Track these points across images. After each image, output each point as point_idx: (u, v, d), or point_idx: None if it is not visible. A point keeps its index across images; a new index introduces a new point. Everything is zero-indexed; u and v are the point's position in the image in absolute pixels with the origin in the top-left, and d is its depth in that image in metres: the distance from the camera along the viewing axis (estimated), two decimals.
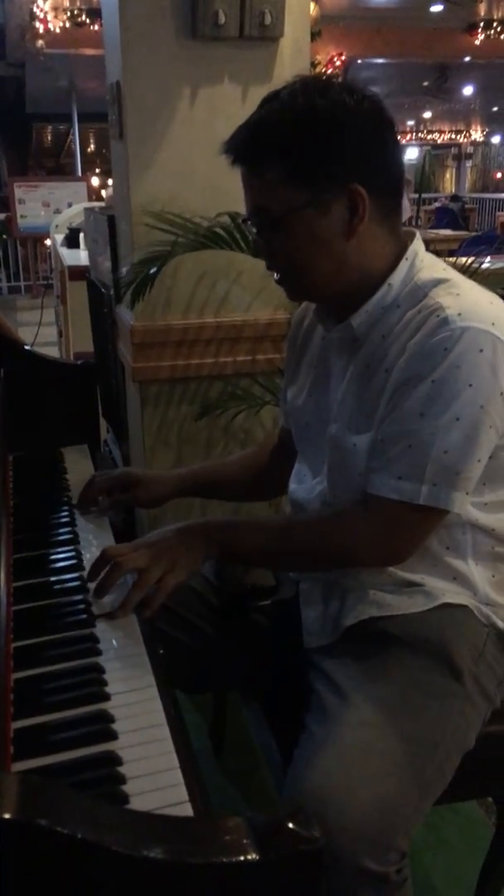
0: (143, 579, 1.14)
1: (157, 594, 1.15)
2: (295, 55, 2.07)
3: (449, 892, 1.60)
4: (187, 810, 0.74)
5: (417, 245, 1.20)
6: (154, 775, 0.79)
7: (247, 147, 1.13)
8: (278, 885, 0.51)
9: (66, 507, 1.46)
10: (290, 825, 0.52)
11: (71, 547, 1.31)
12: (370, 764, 1.04)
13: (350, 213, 1.12)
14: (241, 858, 0.49)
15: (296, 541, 1.23)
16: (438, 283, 1.15)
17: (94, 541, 1.34)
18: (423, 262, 1.19)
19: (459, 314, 1.08)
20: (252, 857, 0.49)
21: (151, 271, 1.92)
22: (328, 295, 1.21)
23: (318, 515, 1.27)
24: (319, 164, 1.10)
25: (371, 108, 1.13)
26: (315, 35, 3.14)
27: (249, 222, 1.19)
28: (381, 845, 0.99)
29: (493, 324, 1.08)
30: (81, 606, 1.13)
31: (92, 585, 1.17)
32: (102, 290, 2.64)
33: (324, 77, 1.20)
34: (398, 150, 1.19)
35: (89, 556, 1.28)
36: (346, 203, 1.12)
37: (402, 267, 1.18)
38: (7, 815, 0.49)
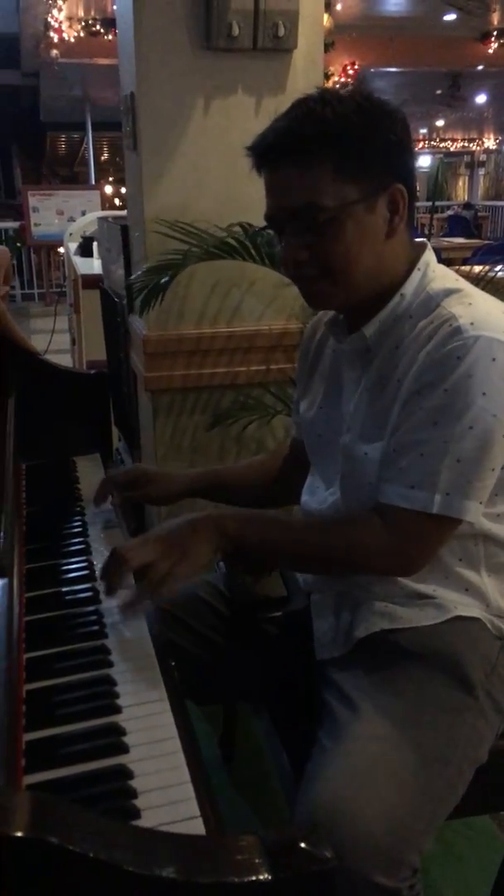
0: (152, 572, 1.13)
1: (165, 583, 1.13)
2: (308, 66, 2.07)
3: None
4: (198, 824, 0.74)
5: (429, 255, 1.21)
6: (165, 789, 0.79)
7: (295, 143, 1.10)
8: None
9: (78, 517, 1.47)
10: (303, 845, 0.52)
11: (83, 557, 1.31)
12: (382, 779, 1.03)
13: (391, 212, 1.13)
14: (254, 878, 0.49)
15: (307, 541, 1.22)
16: (450, 293, 1.15)
17: (106, 551, 1.34)
18: (435, 273, 1.19)
19: (472, 323, 1.08)
20: (264, 877, 0.49)
21: (163, 280, 1.92)
22: (354, 301, 1.19)
23: (332, 518, 1.27)
24: (370, 160, 1.11)
25: (402, 115, 1.15)
26: (328, 46, 3.15)
27: (285, 225, 1.15)
28: (393, 861, 0.98)
29: None
30: (93, 618, 1.13)
31: (107, 597, 1.17)
32: (115, 299, 2.65)
33: (356, 86, 1.19)
34: (415, 160, 1.21)
35: (101, 566, 1.28)
36: (388, 201, 1.13)
37: (415, 277, 1.18)
38: (19, 833, 0.48)
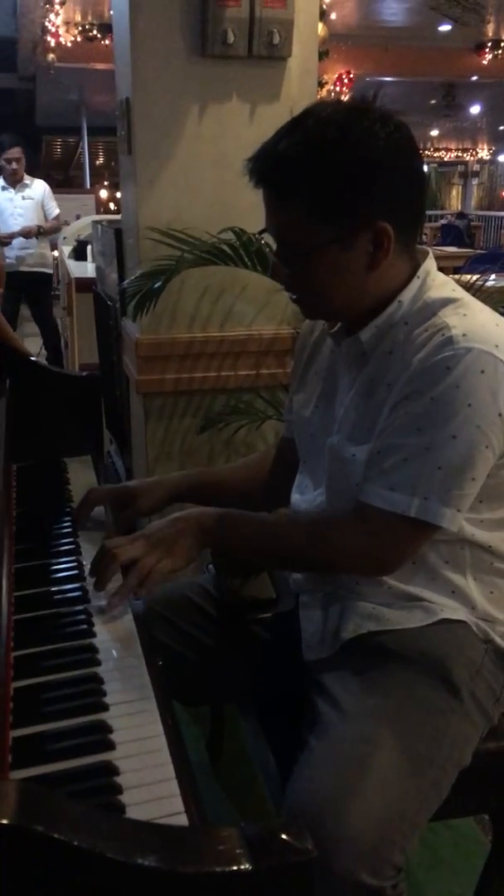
0: (139, 566, 1.16)
1: (151, 576, 1.16)
2: (303, 75, 2.09)
3: None
4: (182, 821, 0.75)
5: (430, 264, 1.21)
6: (150, 786, 0.80)
7: (273, 179, 1.11)
8: (270, 894, 0.52)
9: (68, 518, 1.47)
10: (284, 836, 0.53)
11: (72, 557, 1.32)
12: (367, 779, 1.04)
13: (374, 247, 1.12)
14: (234, 868, 0.50)
15: (286, 539, 1.24)
16: (448, 302, 1.16)
17: (95, 551, 1.35)
18: (435, 281, 1.20)
19: (464, 335, 1.09)
20: (245, 867, 0.50)
21: (156, 285, 1.93)
22: (344, 318, 1.23)
23: (311, 517, 1.29)
24: (347, 204, 1.09)
25: (402, 137, 1.11)
26: (323, 55, 3.17)
27: (275, 251, 1.18)
28: (377, 860, 0.99)
29: (496, 346, 1.09)
30: (82, 617, 1.13)
31: (96, 596, 1.18)
32: (109, 302, 2.66)
33: (356, 101, 1.15)
34: (424, 177, 1.20)
35: (89, 563, 1.29)
36: (370, 238, 1.11)
37: (414, 285, 1.18)
38: (4, 821, 0.49)
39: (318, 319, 1.34)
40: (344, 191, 1.09)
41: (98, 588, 1.18)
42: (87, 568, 1.28)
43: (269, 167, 1.11)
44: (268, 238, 1.93)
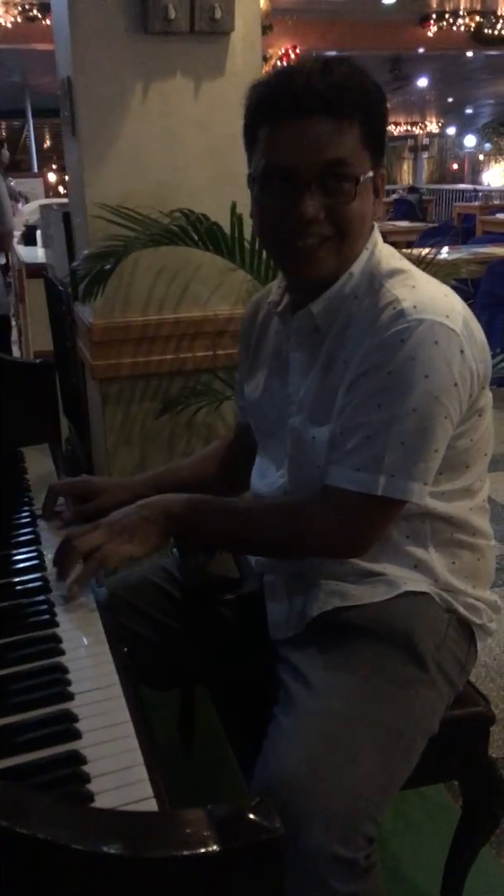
0: (99, 553, 1.15)
1: (110, 559, 1.16)
2: (246, 49, 2.07)
3: (418, 876, 1.63)
4: (152, 806, 0.74)
5: (376, 235, 1.22)
6: (118, 773, 0.79)
7: (338, 100, 1.08)
8: (239, 875, 0.52)
9: (26, 508, 1.45)
10: (251, 815, 0.53)
11: (32, 548, 1.30)
12: (337, 752, 1.05)
13: (374, 193, 1.16)
14: (202, 851, 0.50)
15: (254, 525, 1.23)
16: (394, 273, 1.17)
17: (55, 541, 1.33)
18: (382, 253, 1.21)
19: (415, 306, 1.09)
20: (212, 848, 0.50)
21: (106, 267, 1.90)
22: (341, 274, 1.18)
23: (279, 503, 1.28)
24: (381, 136, 1.15)
25: None
26: (266, 29, 3.14)
27: (309, 179, 1.09)
28: (349, 832, 1.00)
29: (447, 316, 1.10)
30: (44, 607, 1.12)
31: (57, 587, 1.17)
32: (60, 287, 2.62)
33: None
34: None
35: (51, 556, 1.27)
36: (373, 183, 1.16)
37: (363, 256, 1.19)
38: None
39: (322, 274, 1.19)
40: (382, 125, 1.15)
41: (60, 578, 1.17)
42: (47, 558, 1.27)
43: (328, 89, 1.08)
44: (218, 218, 1.92)
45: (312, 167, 1.09)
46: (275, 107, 1.11)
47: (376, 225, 1.24)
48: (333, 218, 1.12)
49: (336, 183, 1.10)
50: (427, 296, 1.12)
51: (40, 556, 1.27)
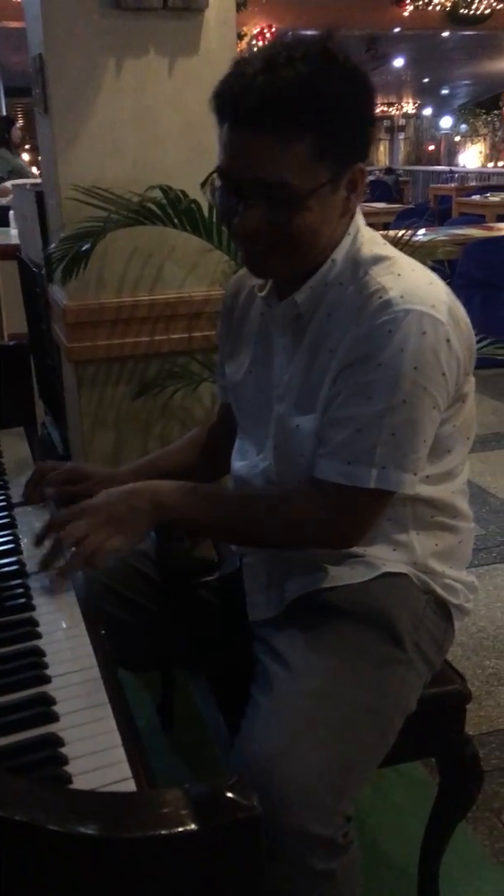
0: (85, 544, 1.12)
1: (98, 554, 1.12)
2: (220, 26, 2.04)
3: (396, 852, 1.65)
4: (131, 787, 0.74)
5: (359, 219, 1.19)
6: (96, 754, 0.79)
7: (273, 113, 1.00)
8: (218, 853, 0.52)
9: (1, 492, 1.44)
10: (228, 794, 0.53)
11: (8, 531, 1.29)
12: (315, 731, 1.06)
13: (348, 190, 1.11)
14: (180, 829, 0.50)
15: (245, 517, 1.22)
16: (378, 260, 1.15)
17: (34, 523, 1.33)
18: (364, 238, 1.19)
19: (402, 296, 1.09)
20: (190, 827, 0.50)
21: (84, 248, 1.88)
22: (299, 272, 1.16)
23: (269, 492, 1.26)
24: (345, 141, 1.06)
25: (373, 87, 1.10)
26: (240, 6, 3.10)
27: (245, 192, 1.06)
28: (326, 810, 1.01)
29: (433, 306, 1.09)
30: (20, 591, 1.11)
31: (33, 570, 1.16)
32: (34, 269, 2.59)
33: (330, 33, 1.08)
34: None
35: (27, 540, 1.26)
36: (348, 180, 1.10)
37: (345, 242, 1.17)
38: None
39: (272, 277, 1.23)
40: (350, 128, 1.06)
41: (43, 568, 1.14)
42: (23, 541, 1.26)
43: (266, 103, 1.00)
44: (198, 196, 1.90)
45: (251, 185, 1.05)
46: (219, 110, 1.06)
47: (359, 209, 1.21)
48: (277, 232, 1.08)
49: (276, 201, 1.05)
50: (412, 284, 1.11)
51: (16, 540, 1.26)
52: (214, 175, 1.11)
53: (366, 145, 1.11)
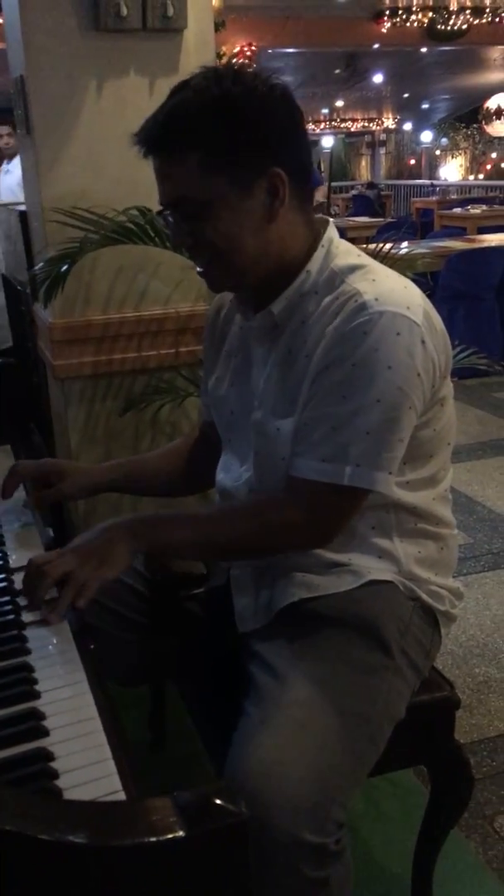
0: (72, 580, 1.11)
1: (84, 592, 1.12)
2: (200, 46, 2.07)
3: (388, 860, 1.65)
4: (121, 798, 0.75)
5: (332, 232, 1.22)
6: (86, 768, 0.80)
7: (163, 137, 1.11)
8: (206, 859, 0.52)
9: None
10: (216, 800, 0.53)
11: None
12: (305, 740, 1.06)
13: (270, 196, 1.13)
14: (168, 837, 0.50)
15: (223, 530, 1.22)
16: (354, 269, 1.17)
17: (21, 542, 1.33)
18: (339, 249, 1.21)
19: (376, 299, 1.11)
20: (178, 834, 0.50)
21: (63, 269, 1.89)
22: (250, 283, 1.21)
23: (243, 504, 1.28)
24: (238, 150, 1.10)
25: (282, 94, 1.14)
26: (219, 26, 3.14)
27: (167, 213, 1.17)
28: (318, 817, 1.01)
29: (408, 307, 1.11)
30: (9, 607, 1.12)
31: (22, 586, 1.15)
32: (18, 287, 2.60)
33: (234, 65, 1.19)
34: (307, 137, 1.21)
35: (16, 557, 1.27)
36: (266, 186, 1.13)
37: (319, 254, 1.20)
38: None
39: (226, 290, 1.32)
40: (233, 137, 1.10)
41: (32, 610, 1.13)
42: (11, 558, 1.26)
43: (156, 129, 1.12)
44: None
45: (168, 206, 1.16)
46: (138, 144, 1.15)
47: (331, 221, 1.25)
48: (203, 245, 1.16)
49: (184, 214, 1.14)
50: (387, 288, 1.13)
51: (5, 558, 1.26)
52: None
53: (280, 151, 1.13)
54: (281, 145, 1.14)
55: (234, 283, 1.24)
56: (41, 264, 1.99)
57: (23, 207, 2.46)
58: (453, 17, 10.50)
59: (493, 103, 15.73)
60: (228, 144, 1.10)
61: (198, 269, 1.21)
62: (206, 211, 1.12)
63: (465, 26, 10.60)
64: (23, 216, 2.38)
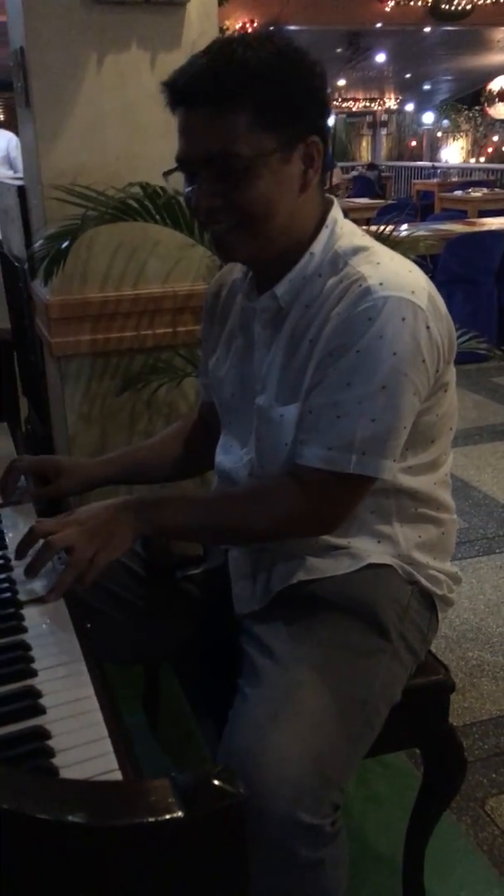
0: (76, 559, 1.10)
1: (88, 572, 1.11)
2: (202, 20, 2.04)
3: (380, 842, 1.66)
4: (117, 778, 0.75)
5: (336, 212, 1.21)
6: (83, 746, 0.80)
7: (215, 87, 1.06)
8: (204, 840, 0.52)
9: None
10: (215, 781, 0.53)
11: None
12: (302, 722, 1.06)
13: (305, 165, 1.12)
14: (167, 817, 0.50)
15: (227, 514, 1.22)
16: (358, 251, 1.16)
17: (17, 521, 1.32)
18: (343, 230, 1.20)
19: (381, 284, 1.09)
20: (177, 815, 0.50)
21: (63, 246, 1.87)
22: (269, 255, 1.17)
23: (247, 488, 1.27)
24: (289, 110, 1.09)
25: (321, 67, 1.13)
26: (222, 0, 3.10)
27: (197, 170, 1.11)
28: (315, 799, 1.02)
29: (412, 292, 1.10)
30: (5, 585, 1.11)
31: (18, 564, 1.15)
32: (16, 264, 2.58)
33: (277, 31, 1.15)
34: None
35: (12, 535, 1.26)
36: (302, 154, 1.11)
37: (323, 235, 1.18)
38: None
39: (242, 261, 1.25)
40: (287, 97, 1.08)
41: (29, 577, 1.12)
42: (7, 536, 1.26)
43: (207, 78, 1.06)
44: (176, 186, 1.89)
45: (198, 158, 1.10)
46: (171, 97, 1.11)
47: (336, 201, 1.23)
48: (231, 205, 1.11)
49: (224, 172, 1.09)
50: (392, 272, 1.12)
51: (1, 536, 1.26)
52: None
53: (317, 120, 1.13)
54: (320, 113, 1.13)
55: (254, 252, 1.17)
56: (41, 241, 1.97)
57: (20, 182, 2.43)
58: None
59: (495, 85, 15.60)
60: (280, 103, 1.08)
61: (213, 234, 1.16)
62: (248, 169, 1.08)
63: (469, 6, 10.47)
64: (21, 191, 2.35)
